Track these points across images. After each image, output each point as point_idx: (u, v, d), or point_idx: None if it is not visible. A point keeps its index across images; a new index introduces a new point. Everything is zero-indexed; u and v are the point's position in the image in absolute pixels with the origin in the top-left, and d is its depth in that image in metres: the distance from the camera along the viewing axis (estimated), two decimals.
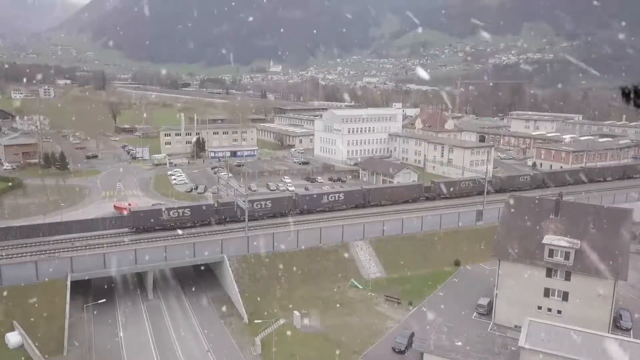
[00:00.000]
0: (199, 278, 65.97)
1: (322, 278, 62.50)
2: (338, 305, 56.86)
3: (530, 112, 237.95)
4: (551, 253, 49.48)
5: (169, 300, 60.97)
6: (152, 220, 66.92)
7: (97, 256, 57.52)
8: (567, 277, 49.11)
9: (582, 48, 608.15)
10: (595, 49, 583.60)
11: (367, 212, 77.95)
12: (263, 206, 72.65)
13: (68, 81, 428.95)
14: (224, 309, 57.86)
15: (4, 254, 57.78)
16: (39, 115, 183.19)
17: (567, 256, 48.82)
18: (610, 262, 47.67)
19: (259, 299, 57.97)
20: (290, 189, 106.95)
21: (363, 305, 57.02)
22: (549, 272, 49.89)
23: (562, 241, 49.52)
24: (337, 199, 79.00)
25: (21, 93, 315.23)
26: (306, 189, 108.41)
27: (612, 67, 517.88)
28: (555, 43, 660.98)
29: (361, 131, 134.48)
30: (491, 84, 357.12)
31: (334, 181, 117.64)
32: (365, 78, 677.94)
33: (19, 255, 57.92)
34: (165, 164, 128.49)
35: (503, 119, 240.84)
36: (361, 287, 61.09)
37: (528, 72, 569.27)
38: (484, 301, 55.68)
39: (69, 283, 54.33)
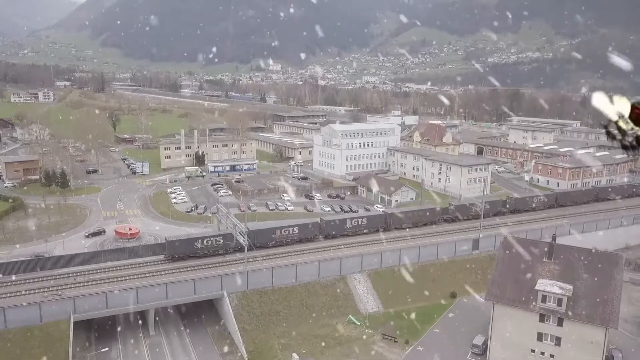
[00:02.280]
0: (199, 310, 66.89)
1: (320, 314, 63.60)
2: (336, 344, 57.95)
3: (528, 119, 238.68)
4: (544, 299, 50.58)
5: (169, 336, 62.09)
6: (186, 249, 69.14)
7: (100, 295, 58.44)
8: (560, 323, 50.23)
9: (582, 47, 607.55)
10: (595, 48, 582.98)
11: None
12: (290, 232, 75.64)
13: (67, 82, 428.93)
14: (224, 347, 59.02)
15: (8, 293, 58.95)
16: (39, 126, 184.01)
17: (559, 303, 49.92)
18: (602, 310, 48.77)
19: (258, 336, 59.17)
20: (289, 208, 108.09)
21: (360, 344, 58.12)
22: (542, 318, 51.02)
23: (555, 287, 50.60)
24: (360, 223, 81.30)
25: (20, 97, 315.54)
26: (305, 207, 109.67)
27: (612, 67, 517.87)
28: (555, 42, 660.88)
29: (360, 146, 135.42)
30: (490, 88, 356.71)
31: (332, 198, 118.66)
32: (364, 77, 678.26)
33: (24, 292, 59.05)
34: (199, 176, 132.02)
35: (502, 125, 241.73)
36: (359, 324, 62.16)
37: (527, 71, 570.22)
38: (479, 340, 56.82)
39: (72, 324, 55.41)
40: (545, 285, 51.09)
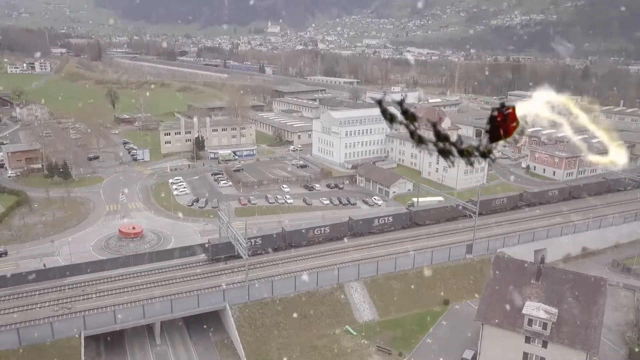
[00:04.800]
0: (204, 319, 69.67)
1: (318, 324, 66.63)
2: (333, 356, 61.18)
3: (529, 93, 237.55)
4: (530, 322, 53.32)
5: (175, 345, 65.37)
6: (228, 250, 73.42)
7: (109, 312, 61.25)
8: (544, 345, 53.16)
9: (587, 8, 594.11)
10: (602, 10, 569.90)
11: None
12: (323, 232, 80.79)
13: (63, 50, 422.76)
14: (227, 357, 62.41)
15: (21, 307, 61.92)
16: (38, 106, 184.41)
17: (544, 326, 52.68)
18: (584, 336, 51.55)
19: (259, 348, 62.33)
20: (289, 201, 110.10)
21: (356, 356, 61.36)
22: (528, 339, 53.92)
23: (541, 311, 53.23)
24: (386, 221, 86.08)
25: (17, 67, 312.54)
26: (304, 200, 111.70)
27: (618, 30, 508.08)
28: (560, 3, 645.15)
29: (359, 133, 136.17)
30: (491, 58, 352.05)
31: (331, 188, 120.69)
32: (365, 40, 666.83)
33: (36, 305, 62.02)
34: (230, 160, 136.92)
35: (502, 99, 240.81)
36: (355, 334, 65.27)
37: (530, 35, 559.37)
38: (468, 354, 59.99)
39: (82, 340, 58.48)
40: (531, 308, 53.69)
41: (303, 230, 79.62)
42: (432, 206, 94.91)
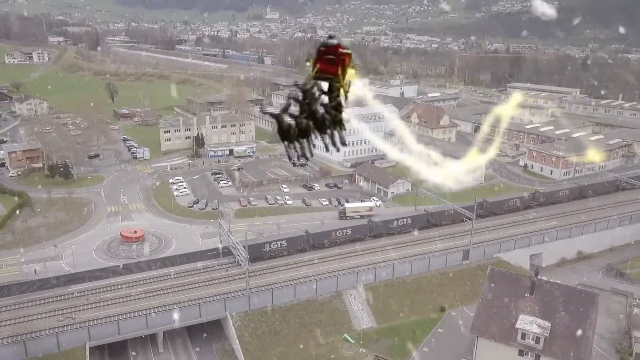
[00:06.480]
0: (206, 326, 71.09)
1: (317, 332, 68.11)
2: None
3: (528, 85, 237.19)
4: (523, 336, 54.82)
5: (178, 353, 66.95)
6: (256, 252, 75.53)
7: (113, 322, 62.75)
8: (537, 358, 54.73)
9: None
10: None
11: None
12: (344, 234, 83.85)
13: (61, 38, 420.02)
14: None
15: (25, 317, 63.35)
16: (37, 101, 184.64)
17: (537, 340, 54.18)
18: (576, 350, 53.08)
19: (260, 357, 63.96)
20: (288, 202, 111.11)
21: None
22: (521, 352, 55.48)
23: (534, 325, 54.71)
24: (405, 223, 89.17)
25: (15, 58, 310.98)
26: (304, 201, 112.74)
27: (619, 16, 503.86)
28: None
29: (358, 132, 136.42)
30: (491, 49, 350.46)
31: (330, 188, 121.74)
32: (364, 26, 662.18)
33: (40, 315, 63.44)
34: (246, 157, 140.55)
35: (502, 91, 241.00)
36: (353, 342, 66.85)
37: (530, 22, 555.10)
38: None
39: (87, 351, 60.05)
40: (525, 322, 55.15)
41: (325, 232, 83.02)
42: (364, 212, 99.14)
